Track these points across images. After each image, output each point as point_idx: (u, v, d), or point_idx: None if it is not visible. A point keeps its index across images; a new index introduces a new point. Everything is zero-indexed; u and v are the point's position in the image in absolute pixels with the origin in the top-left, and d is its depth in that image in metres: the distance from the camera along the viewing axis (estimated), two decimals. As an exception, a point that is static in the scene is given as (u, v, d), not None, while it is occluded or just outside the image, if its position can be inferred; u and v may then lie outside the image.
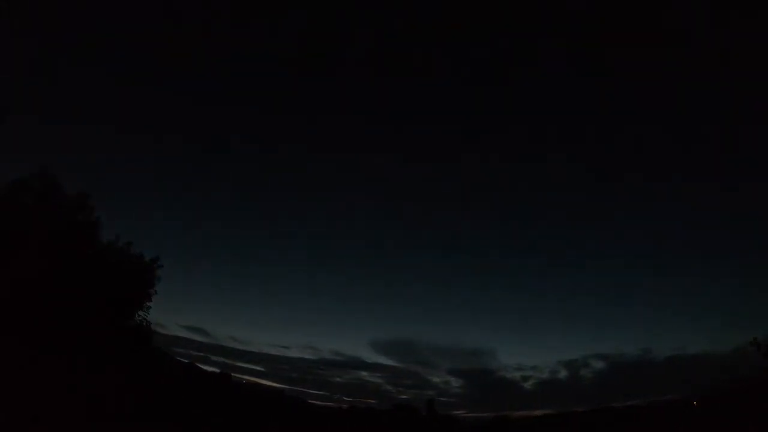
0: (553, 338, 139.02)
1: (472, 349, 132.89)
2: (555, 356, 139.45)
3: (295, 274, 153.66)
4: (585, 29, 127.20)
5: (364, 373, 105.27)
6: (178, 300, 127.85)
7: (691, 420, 48.62)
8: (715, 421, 44.07)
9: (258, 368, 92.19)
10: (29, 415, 19.17)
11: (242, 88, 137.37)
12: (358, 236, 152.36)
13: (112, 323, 29.94)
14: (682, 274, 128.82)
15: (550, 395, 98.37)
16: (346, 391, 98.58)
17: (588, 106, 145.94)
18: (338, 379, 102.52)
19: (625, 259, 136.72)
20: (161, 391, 29.96)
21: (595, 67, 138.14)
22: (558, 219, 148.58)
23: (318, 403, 69.46)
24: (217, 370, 54.10)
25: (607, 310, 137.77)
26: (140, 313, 33.30)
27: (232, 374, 68.61)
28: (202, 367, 50.66)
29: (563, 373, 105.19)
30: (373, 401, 75.40)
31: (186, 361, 48.46)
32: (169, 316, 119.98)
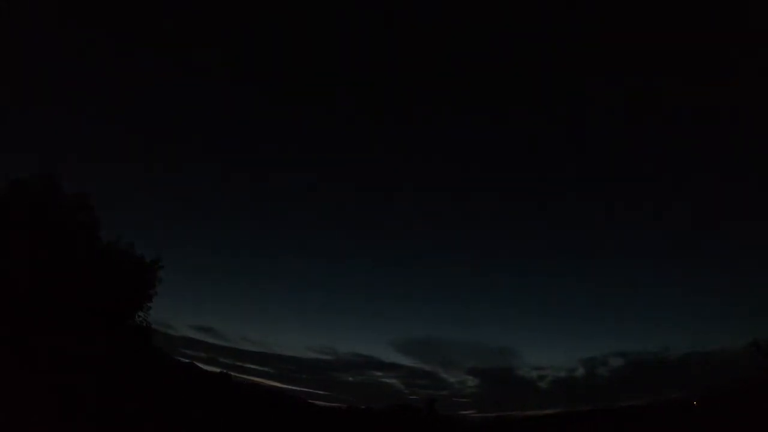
0: (577, 336, 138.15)
1: (497, 348, 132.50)
2: (578, 354, 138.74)
3: (313, 272, 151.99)
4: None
5: (378, 374, 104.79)
6: (189, 300, 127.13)
7: (691, 420, 48.64)
8: (715, 421, 44.09)
9: (267, 369, 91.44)
10: (28, 415, 19.13)
11: (246, 82, 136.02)
12: (379, 233, 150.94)
13: (112, 324, 29.89)
14: (713, 270, 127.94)
15: (561, 394, 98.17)
16: (355, 391, 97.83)
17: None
18: (350, 380, 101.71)
19: (653, 254, 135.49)
20: (161, 391, 29.91)
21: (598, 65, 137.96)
22: (581, 218, 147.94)
23: (318, 403, 69.35)
24: (217, 370, 54.02)
25: (633, 306, 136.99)
26: (140, 313, 33.29)
27: (241, 375, 68.62)
28: (204, 367, 50.66)
29: (580, 372, 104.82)
30: (379, 402, 74.77)
31: (186, 361, 48.39)
32: (179, 316, 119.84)
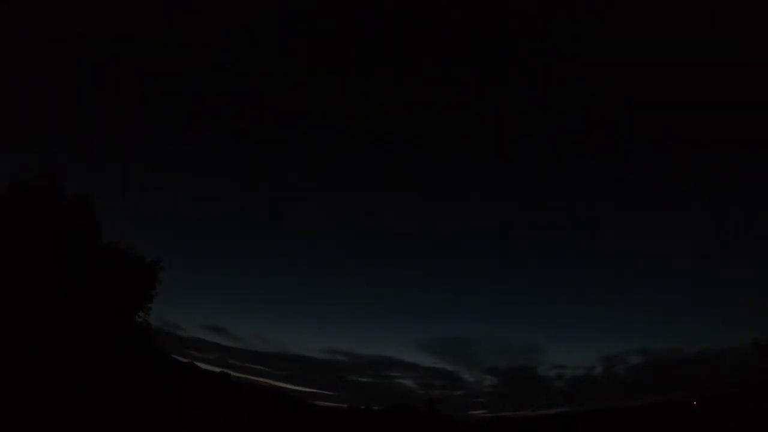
0: (602, 332, 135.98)
1: (523, 346, 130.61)
2: (601, 351, 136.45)
3: (334, 271, 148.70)
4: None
5: (394, 374, 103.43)
6: (200, 300, 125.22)
7: (691, 420, 48.70)
8: (715, 421, 44.12)
9: (272, 371, 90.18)
10: (30, 415, 19.15)
11: (247, 80, 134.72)
12: (402, 231, 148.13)
13: (112, 324, 29.90)
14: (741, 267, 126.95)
15: (572, 393, 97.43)
16: (366, 392, 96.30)
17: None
18: (363, 380, 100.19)
19: (680, 249, 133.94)
20: (160, 391, 29.95)
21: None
22: (607, 217, 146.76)
23: (318, 403, 69.21)
24: (217, 370, 53.99)
25: (656, 302, 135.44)
26: (140, 314, 33.32)
27: (248, 376, 68.34)
28: (204, 367, 50.62)
29: (597, 370, 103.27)
30: (392, 403, 74.01)
31: (186, 360, 48.36)
32: (190, 316, 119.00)
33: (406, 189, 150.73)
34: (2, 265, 25.02)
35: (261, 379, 73.62)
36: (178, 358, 46.50)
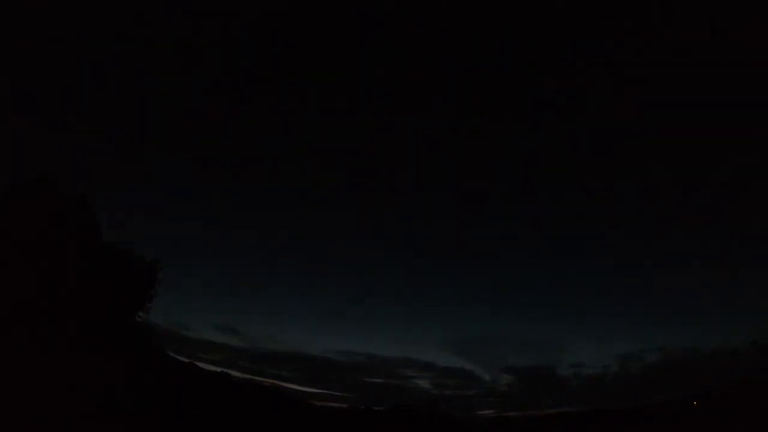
0: (622, 330, 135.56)
1: (545, 345, 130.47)
2: (619, 349, 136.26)
3: (356, 269, 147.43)
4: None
5: (410, 373, 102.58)
6: (213, 299, 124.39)
7: (691, 420, 48.67)
8: (715, 421, 44.11)
9: (283, 373, 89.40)
10: (28, 415, 19.16)
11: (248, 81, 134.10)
12: (423, 230, 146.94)
13: (111, 324, 29.92)
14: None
15: (584, 392, 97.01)
16: (378, 393, 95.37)
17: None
18: (376, 380, 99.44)
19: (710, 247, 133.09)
20: (160, 391, 29.95)
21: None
22: (630, 217, 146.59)
23: (318, 403, 69.20)
24: (217, 369, 53.90)
25: (676, 301, 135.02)
26: (141, 314, 33.35)
27: (251, 376, 68.16)
28: (203, 366, 50.54)
29: (614, 368, 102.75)
30: (386, 403, 73.70)
31: (186, 360, 48.30)
32: (201, 316, 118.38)
33: (425, 190, 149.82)
34: (2, 265, 25.02)
35: (263, 380, 73.47)
36: (178, 357, 46.51)
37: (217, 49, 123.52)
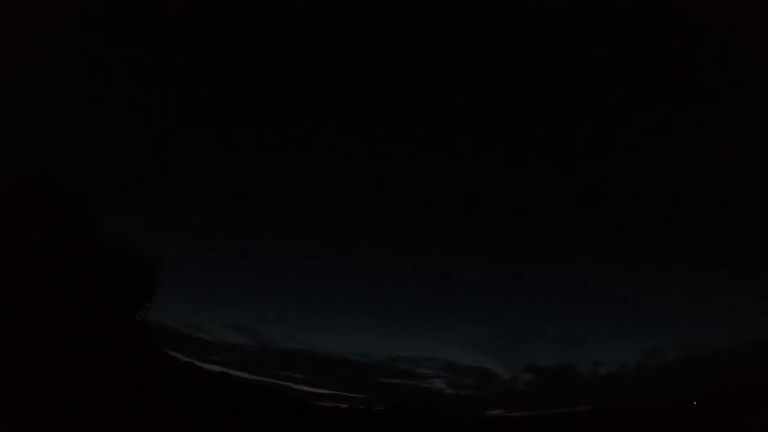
0: (649, 325, 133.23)
1: (567, 343, 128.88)
2: (642, 346, 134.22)
3: (380, 266, 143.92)
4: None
5: (427, 372, 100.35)
6: (227, 298, 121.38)
7: (691, 420, 48.67)
8: (715, 421, 44.14)
9: (298, 375, 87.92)
10: (28, 414, 19.12)
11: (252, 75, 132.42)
12: (447, 230, 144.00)
13: (111, 323, 29.88)
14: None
15: (591, 391, 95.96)
16: (390, 393, 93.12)
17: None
18: (393, 381, 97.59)
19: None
20: (159, 391, 29.91)
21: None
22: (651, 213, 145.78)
23: (318, 403, 69.13)
24: (217, 369, 53.92)
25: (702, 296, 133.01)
26: (140, 314, 33.31)
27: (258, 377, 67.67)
28: (203, 366, 50.57)
29: (632, 365, 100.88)
30: (384, 404, 72.89)
31: (186, 360, 48.33)
32: (214, 315, 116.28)
33: (447, 184, 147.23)
34: (2, 265, 24.99)
35: (268, 380, 72.99)
36: (179, 357, 46.52)
37: (218, 46, 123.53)
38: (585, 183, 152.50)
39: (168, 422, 25.66)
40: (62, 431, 19.57)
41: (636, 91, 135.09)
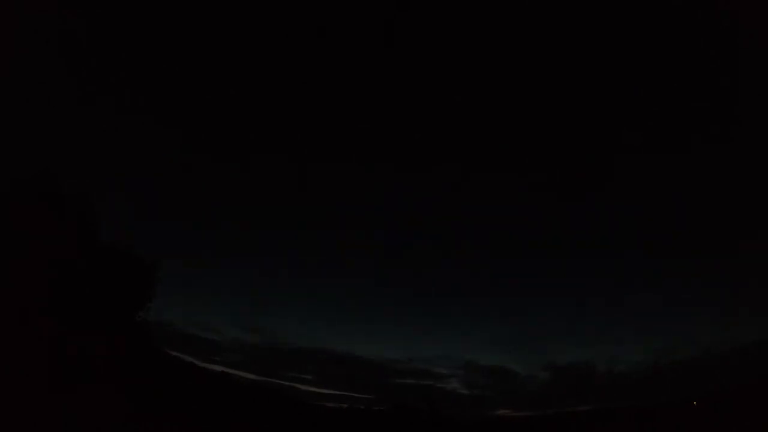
0: (670, 322, 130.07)
1: (588, 341, 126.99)
2: (658, 343, 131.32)
3: (402, 264, 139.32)
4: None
5: (444, 372, 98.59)
6: (235, 297, 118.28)
7: (691, 420, 48.72)
8: (715, 421, 44.17)
9: (305, 375, 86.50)
10: (28, 414, 19.13)
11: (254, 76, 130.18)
12: (466, 222, 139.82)
13: (111, 324, 29.90)
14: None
15: (598, 391, 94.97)
16: (402, 393, 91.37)
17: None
18: (408, 381, 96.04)
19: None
20: (159, 391, 29.93)
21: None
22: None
23: (317, 403, 69.02)
24: (218, 369, 53.91)
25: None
26: (140, 314, 33.37)
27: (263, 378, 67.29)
28: (204, 366, 50.53)
29: (646, 363, 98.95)
30: (385, 404, 72.27)
31: (187, 359, 48.32)
32: (221, 315, 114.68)
33: (464, 187, 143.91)
34: (2, 265, 25.00)
35: (266, 379, 72.62)
36: (179, 356, 46.51)
37: (218, 46, 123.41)
38: (603, 183, 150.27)
39: (169, 423, 25.69)
40: (62, 431, 19.59)
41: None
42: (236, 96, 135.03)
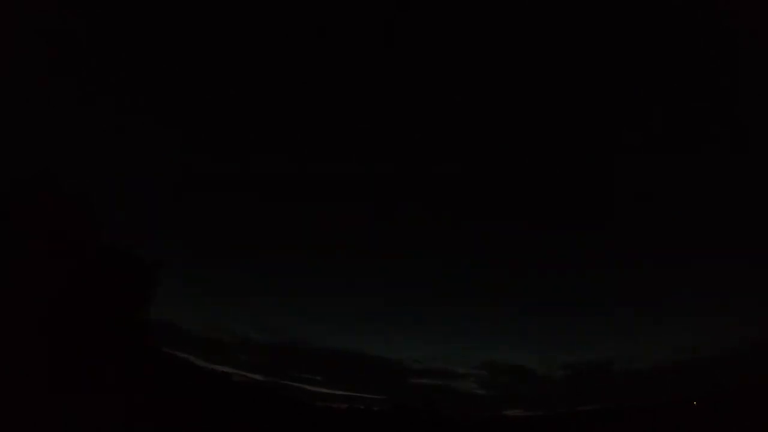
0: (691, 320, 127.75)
1: (612, 338, 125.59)
2: (679, 341, 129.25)
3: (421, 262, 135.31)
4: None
5: (460, 371, 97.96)
6: (242, 296, 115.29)
7: (691, 420, 48.72)
8: (715, 421, 44.18)
9: (315, 377, 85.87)
10: (28, 414, 19.15)
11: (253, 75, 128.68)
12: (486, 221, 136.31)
13: (111, 324, 29.93)
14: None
15: (601, 390, 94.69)
16: (417, 394, 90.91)
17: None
18: (424, 381, 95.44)
19: None
20: (160, 391, 29.94)
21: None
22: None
23: (317, 403, 68.86)
24: (219, 369, 53.81)
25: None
26: (140, 314, 33.37)
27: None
28: (204, 366, 50.46)
29: (660, 362, 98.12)
30: (384, 404, 71.90)
31: (188, 359, 48.27)
32: (230, 315, 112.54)
33: (485, 183, 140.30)
34: (2, 265, 25.02)
35: (267, 379, 72.28)
36: (179, 356, 46.50)
37: (219, 47, 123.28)
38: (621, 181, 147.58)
39: (169, 423, 25.71)
40: (62, 431, 19.61)
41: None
42: (236, 96, 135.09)
